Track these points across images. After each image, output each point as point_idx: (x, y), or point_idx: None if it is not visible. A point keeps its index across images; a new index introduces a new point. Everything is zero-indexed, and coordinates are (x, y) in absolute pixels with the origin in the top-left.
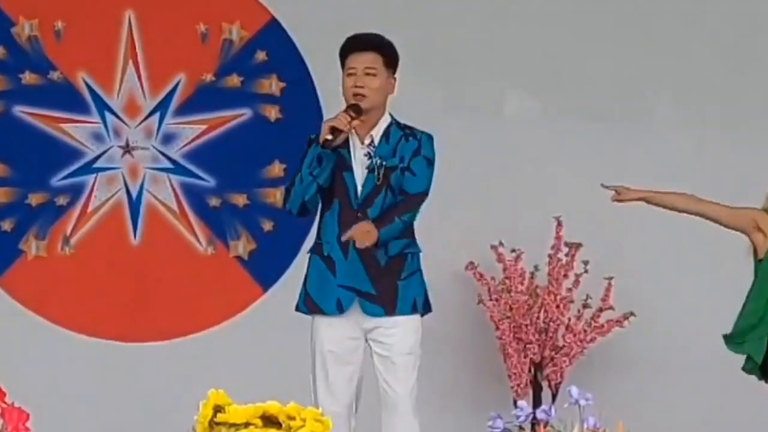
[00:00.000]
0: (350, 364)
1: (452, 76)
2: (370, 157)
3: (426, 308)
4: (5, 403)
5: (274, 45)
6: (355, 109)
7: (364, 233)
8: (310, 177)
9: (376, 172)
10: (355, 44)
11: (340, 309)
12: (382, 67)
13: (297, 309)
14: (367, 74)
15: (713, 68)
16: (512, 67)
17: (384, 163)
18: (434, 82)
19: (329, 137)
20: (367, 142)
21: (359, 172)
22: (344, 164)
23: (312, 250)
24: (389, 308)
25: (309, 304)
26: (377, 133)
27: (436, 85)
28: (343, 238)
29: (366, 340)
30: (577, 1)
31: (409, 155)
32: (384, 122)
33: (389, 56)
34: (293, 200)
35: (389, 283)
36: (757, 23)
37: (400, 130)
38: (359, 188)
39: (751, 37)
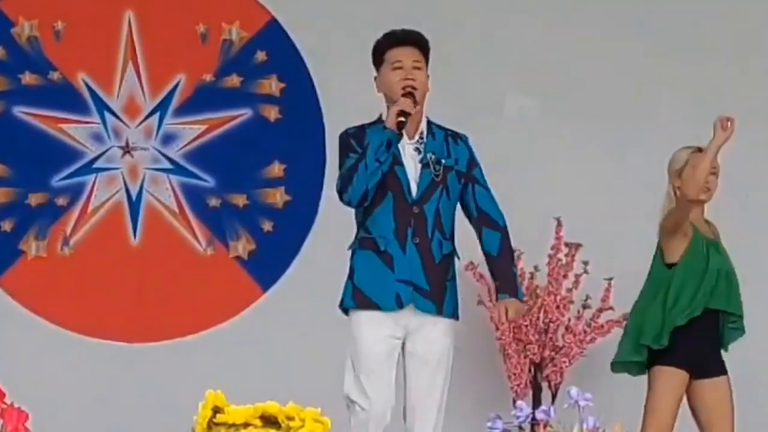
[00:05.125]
0: (392, 363)
1: (452, 76)
2: (420, 152)
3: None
4: (5, 403)
5: (274, 45)
6: (413, 97)
7: (519, 311)
8: (376, 163)
9: (432, 168)
10: (398, 39)
11: (400, 304)
12: (424, 62)
13: (341, 305)
14: (415, 68)
15: (713, 68)
16: (512, 68)
17: (442, 161)
18: (434, 82)
19: (402, 119)
20: (416, 138)
21: (411, 167)
22: (396, 158)
23: (359, 246)
24: (439, 306)
25: (360, 300)
26: (423, 128)
27: (436, 85)
28: (502, 322)
29: (403, 342)
30: (578, 2)
31: (465, 161)
32: (425, 119)
33: (428, 53)
34: (355, 190)
35: (440, 281)
36: (757, 23)
37: (440, 129)
38: (413, 183)
39: (751, 37)
